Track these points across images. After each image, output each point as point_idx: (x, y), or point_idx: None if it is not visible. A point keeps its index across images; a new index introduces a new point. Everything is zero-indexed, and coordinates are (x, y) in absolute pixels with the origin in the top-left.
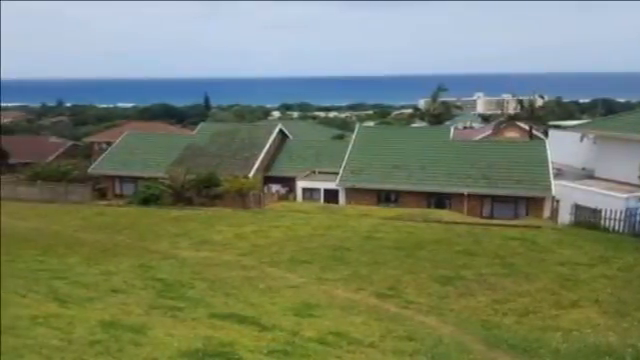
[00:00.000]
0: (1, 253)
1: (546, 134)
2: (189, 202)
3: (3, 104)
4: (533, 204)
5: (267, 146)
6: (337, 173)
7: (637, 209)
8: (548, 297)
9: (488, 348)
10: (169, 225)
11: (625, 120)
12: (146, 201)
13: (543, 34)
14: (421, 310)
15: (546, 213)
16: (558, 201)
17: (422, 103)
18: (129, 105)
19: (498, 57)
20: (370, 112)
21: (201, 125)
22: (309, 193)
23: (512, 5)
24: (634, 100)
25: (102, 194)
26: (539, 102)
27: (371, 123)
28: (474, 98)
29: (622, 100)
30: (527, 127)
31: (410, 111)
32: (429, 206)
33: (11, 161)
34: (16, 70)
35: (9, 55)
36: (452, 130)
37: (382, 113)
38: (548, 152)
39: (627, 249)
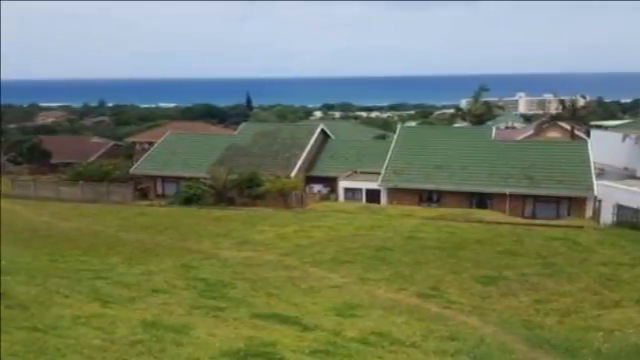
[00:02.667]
0: (43, 253)
1: (588, 134)
2: (231, 202)
3: (46, 104)
4: (575, 204)
5: (309, 146)
6: (379, 173)
7: None
8: (590, 297)
9: (530, 348)
10: (211, 225)
11: None
12: (188, 201)
13: (587, 34)
14: (463, 310)
15: (588, 213)
16: (600, 201)
17: (464, 103)
18: (171, 105)
19: (541, 57)
20: (412, 112)
21: (243, 125)
22: (351, 193)
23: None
24: None
25: (144, 194)
26: (581, 102)
27: (413, 123)
28: (516, 98)
29: None
30: (569, 127)
31: (452, 111)
32: (471, 206)
33: (53, 161)
34: (59, 70)
35: (53, 56)
36: (494, 130)
37: (424, 113)
38: (590, 152)
39: None
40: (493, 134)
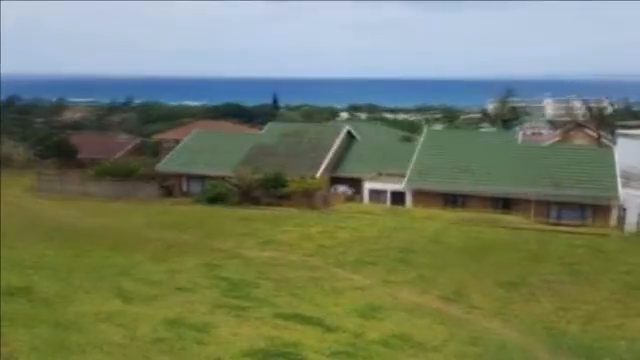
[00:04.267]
0: (67, 248)
1: (614, 141)
2: (256, 202)
3: (74, 100)
4: (600, 211)
5: (334, 147)
6: (404, 175)
7: None
8: (613, 305)
9: (552, 355)
10: (235, 224)
11: None
12: (213, 200)
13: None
14: (485, 315)
15: (613, 220)
16: (625, 209)
17: (491, 107)
18: (197, 104)
19: (570, 61)
20: (438, 115)
21: (269, 125)
22: (376, 194)
23: (589, 7)
24: None
25: (169, 192)
26: (608, 109)
27: (439, 126)
28: (543, 104)
29: None
30: (595, 134)
31: (479, 115)
32: (495, 210)
33: (80, 157)
34: (89, 67)
35: (83, 53)
36: (520, 135)
37: (450, 116)
38: (616, 159)
39: None
40: (519, 139)
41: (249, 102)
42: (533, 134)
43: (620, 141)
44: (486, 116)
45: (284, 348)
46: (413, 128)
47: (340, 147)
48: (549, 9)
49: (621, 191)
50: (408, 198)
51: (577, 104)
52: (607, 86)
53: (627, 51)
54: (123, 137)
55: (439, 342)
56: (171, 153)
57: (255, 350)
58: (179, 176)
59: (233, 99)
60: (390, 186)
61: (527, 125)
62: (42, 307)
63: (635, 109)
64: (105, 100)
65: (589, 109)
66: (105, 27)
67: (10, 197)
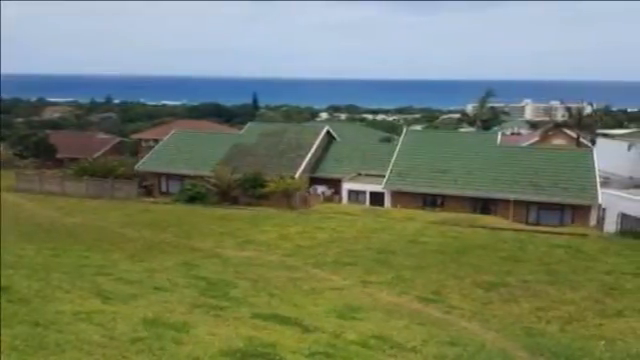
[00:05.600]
0: (46, 247)
1: (593, 142)
2: (235, 201)
3: (54, 99)
4: (579, 212)
5: (314, 147)
6: (383, 176)
7: None
8: (592, 306)
9: (531, 355)
10: (214, 224)
11: None
12: (192, 199)
13: (595, 41)
14: (464, 315)
15: (592, 221)
16: (604, 209)
17: (470, 108)
18: (177, 103)
19: (547, 64)
20: (417, 116)
21: (249, 125)
22: (355, 195)
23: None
24: None
25: (148, 191)
26: (587, 110)
27: (418, 127)
28: (522, 104)
29: None
30: (575, 135)
31: (458, 116)
32: (474, 211)
33: (59, 156)
34: (68, 66)
35: (62, 51)
36: (499, 136)
37: (430, 117)
38: (595, 160)
39: None
40: (498, 140)
41: (229, 102)
42: (512, 135)
43: (599, 142)
44: (465, 117)
45: (262, 348)
46: (393, 129)
47: (319, 147)
48: (526, 10)
49: (600, 191)
50: (387, 198)
51: (557, 106)
52: (588, 89)
53: (603, 51)
54: (102, 136)
55: (418, 342)
56: (150, 152)
57: (233, 350)
58: (158, 175)
59: (213, 99)
60: (369, 186)
61: (506, 126)
62: (21, 306)
63: (614, 110)
64: (85, 99)
65: (568, 111)
66: (85, 26)
67: None
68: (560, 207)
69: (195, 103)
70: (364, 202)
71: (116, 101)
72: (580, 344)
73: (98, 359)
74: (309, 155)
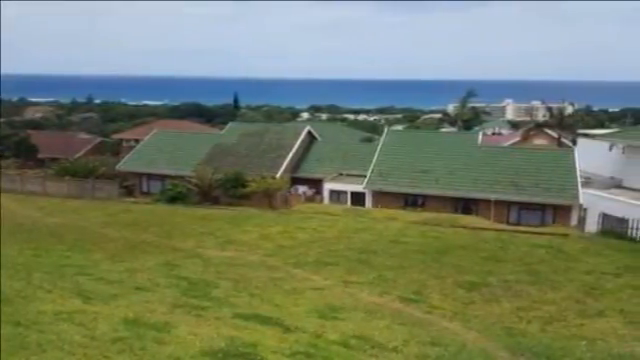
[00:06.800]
0: (27, 247)
1: (575, 142)
2: (216, 201)
3: (35, 99)
4: (560, 212)
5: (295, 147)
6: (364, 176)
7: None
8: (573, 306)
9: (512, 355)
10: (195, 224)
11: None
12: (173, 199)
13: (577, 42)
14: (445, 315)
15: (573, 221)
16: (585, 209)
17: (451, 108)
18: (158, 103)
19: (529, 64)
20: (399, 116)
21: (230, 125)
22: (336, 195)
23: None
24: None
25: (129, 191)
26: (569, 110)
27: (400, 127)
28: (503, 104)
29: None
30: (556, 135)
31: (439, 116)
32: (456, 211)
33: (40, 156)
34: (49, 66)
35: (43, 51)
36: (480, 136)
37: (411, 117)
38: (576, 160)
39: None
40: (479, 140)
41: (210, 102)
42: (493, 135)
43: (580, 142)
44: (446, 117)
45: (243, 348)
46: (374, 129)
47: (301, 147)
48: (510, 10)
49: (581, 191)
50: (368, 199)
51: (538, 106)
52: (569, 89)
53: (585, 51)
54: (84, 136)
55: (399, 342)
56: (131, 153)
57: (214, 350)
58: (139, 175)
59: (194, 99)
60: (350, 187)
61: (487, 126)
62: (3, 306)
63: (596, 110)
64: (66, 99)
65: (550, 111)
66: (64, 27)
67: None
68: (541, 207)
69: (176, 103)
70: (345, 202)
71: (97, 101)
72: (561, 344)
73: (79, 359)
74: (290, 155)
